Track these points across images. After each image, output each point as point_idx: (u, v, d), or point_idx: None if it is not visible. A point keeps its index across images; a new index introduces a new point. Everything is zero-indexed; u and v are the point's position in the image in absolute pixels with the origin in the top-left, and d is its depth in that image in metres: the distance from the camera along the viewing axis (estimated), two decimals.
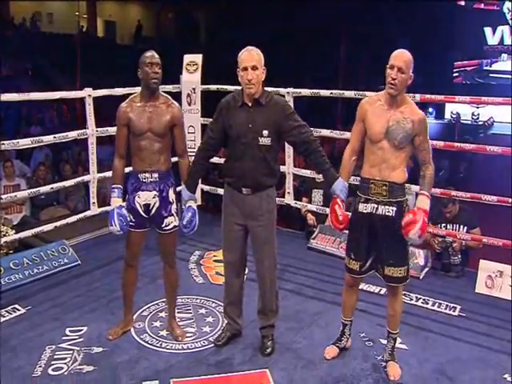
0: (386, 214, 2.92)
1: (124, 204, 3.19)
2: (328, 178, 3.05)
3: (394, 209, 2.91)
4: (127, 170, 3.29)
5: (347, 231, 3.13)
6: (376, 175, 2.92)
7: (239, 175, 3.08)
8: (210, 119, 3.24)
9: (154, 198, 3.19)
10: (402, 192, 2.97)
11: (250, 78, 2.93)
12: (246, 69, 2.93)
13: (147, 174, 3.16)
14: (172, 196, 3.24)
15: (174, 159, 3.32)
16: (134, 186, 3.20)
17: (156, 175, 3.16)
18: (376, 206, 2.93)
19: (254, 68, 2.94)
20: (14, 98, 4.16)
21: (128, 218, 3.15)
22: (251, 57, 2.96)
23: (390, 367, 3.14)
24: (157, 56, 3.12)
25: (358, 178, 3.13)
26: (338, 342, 3.32)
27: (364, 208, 2.97)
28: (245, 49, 3.00)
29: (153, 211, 3.21)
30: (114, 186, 3.21)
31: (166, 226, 3.24)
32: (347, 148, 3.09)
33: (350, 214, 3.10)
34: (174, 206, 3.25)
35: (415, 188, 4.18)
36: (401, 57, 2.83)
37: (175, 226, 3.27)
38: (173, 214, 3.25)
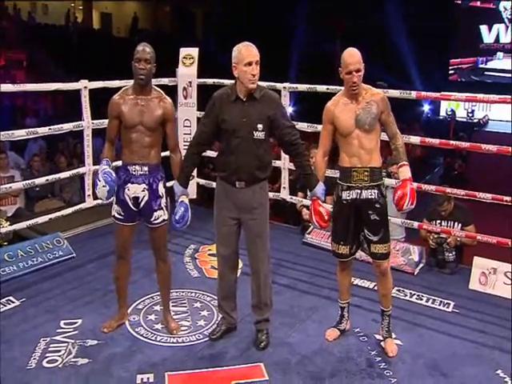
0: (369, 197, 3.12)
1: (110, 169, 3.13)
2: (310, 182, 3.18)
3: (376, 191, 3.13)
4: (118, 163, 3.28)
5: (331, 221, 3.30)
6: (357, 163, 3.11)
7: (233, 169, 3.08)
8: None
9: (143, 191, 3.17)
10: (381, 175, 3.19)
11: (254, 73, 2.95)
12: (250, 64, 2.94)
13: (137, 167, 3.15)
14: (161, 190, 3.22)
15: (165, 153, 3.31)
16: (124, 179, 3.18)
17: (146, 168, 3.15)
18: (359, 191, 3.13)
19: (257, 63, 2.97)
20: (11, 88, 4.14)
21: (114, 175, 3.10)
22: (253, 52, 2.98)
23: (387, 344, 3.30)
24: (148, 50, 3.07)
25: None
26: (338, 324, 3.44)
27: (347, 195, 3.15)
28: (242, 44, 3.00)
29: (142, 204, 3.20)
30: (102, 159, 3.19)
31: (155, 219, 3.23)
32: (318, 151, 3.29)
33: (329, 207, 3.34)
34: (163, 200, 3.24)
35: None
36: (354, 59, 3.03)
37: (164, 220, 3.26)
38: (162, 208, 3.24)
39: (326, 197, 3.22)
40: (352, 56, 3.03)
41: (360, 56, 3.03)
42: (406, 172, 3.09)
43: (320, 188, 3.14)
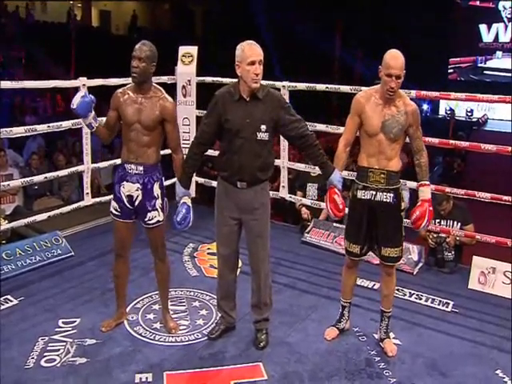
0: (385, 200, 3.09)
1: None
2: (326, 171, 3.13)
3: (392, 195, 3.09)
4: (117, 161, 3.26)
5: (346, 219, 3.31)
6: (374, 164, 3.07)
7: (236, 169, 3.05)
8: (206, 111, 3.18)
9: (136, 190, 3.16)
10: (398, 179, 3.13)
11: (258, 73, 2.92)
12: (253, 63, 2.91)
13: (133, 166, 3.14)
14: (157, 191, 3.19)
15: (164, 152, 3.29)
16: (121, 176, 3.19)
17: (141, 168, 3.13)
18: (374, 192, 3.09)
19: (261, 62, 2.94)
20: (10, 85, 4.13)
21: (93, 98, 3.08)
22: (257, 51, 2.94)
23: (386, 344, 3.29)
24: (144, 49, 3.03)
25: (350, 173, 3.19)
26: (337, 323, 3.43)
27: (363, 195, 3.12)
28: (245, 43, 2.96)
29: (136, 203, 3.18)
30: None
31: (149, 220, 3.21)
32: (341, 140, 3.20)
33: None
34: (158, 201, 3.21)
35: (410, 184, 4.20)
36: (396, 64, 2.91)
37: (158, 221, 3.23)
38: (157, 209, 3.21)
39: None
40: (395, 59, 2.91)
41: (403, 61, 2.91)
42: (426, 193, 3.09)
43: (337, 176, 3.09)
